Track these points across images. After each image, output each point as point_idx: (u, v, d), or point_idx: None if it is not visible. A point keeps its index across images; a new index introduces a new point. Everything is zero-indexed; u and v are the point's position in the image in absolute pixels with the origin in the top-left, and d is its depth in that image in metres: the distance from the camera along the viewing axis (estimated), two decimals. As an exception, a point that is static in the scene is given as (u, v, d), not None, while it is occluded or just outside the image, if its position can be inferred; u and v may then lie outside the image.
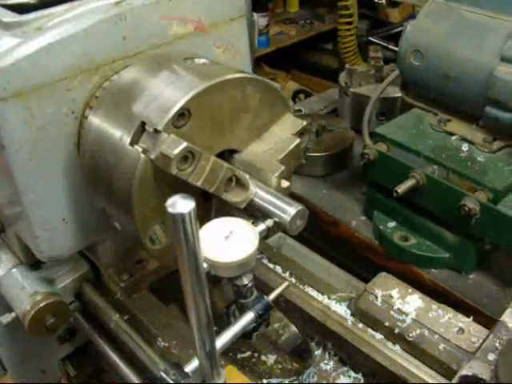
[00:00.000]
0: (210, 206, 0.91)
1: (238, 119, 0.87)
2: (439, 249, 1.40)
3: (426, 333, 0.97)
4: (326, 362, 1.08)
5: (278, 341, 1.16)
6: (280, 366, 1.11)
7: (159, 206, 0.84)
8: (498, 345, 0.73)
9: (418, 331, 0.98)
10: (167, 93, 0.82)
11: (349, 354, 1.05)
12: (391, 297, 1.04)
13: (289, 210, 0.80)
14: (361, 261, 1.53)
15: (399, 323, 1.00)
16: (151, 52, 0.98)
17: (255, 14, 3.15)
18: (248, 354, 1.12)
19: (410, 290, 1.04)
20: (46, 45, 0.87)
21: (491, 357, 0.71)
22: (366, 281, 1.21)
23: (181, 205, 0.53)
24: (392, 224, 1.48)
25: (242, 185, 0.83)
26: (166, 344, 1.07)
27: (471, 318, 1.00)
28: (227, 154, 0.91)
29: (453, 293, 1.34)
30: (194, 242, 0.56)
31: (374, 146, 1.42)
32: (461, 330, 0.97)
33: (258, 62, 3.41)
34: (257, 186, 0.84)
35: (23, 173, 0.91)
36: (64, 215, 0.98)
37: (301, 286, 1.14)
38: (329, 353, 1.09)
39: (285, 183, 0.87)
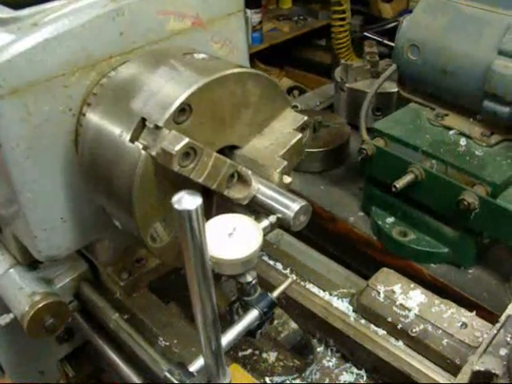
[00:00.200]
0: (211, 203, 0.90)
1: (239, 114, 0.86)
2: (438, 244, 1.40)
3: (430, 328, 0.97)
4: (328, 358, 1.08)
5: (278, 338, 1.15)
6: (281, 364, 1.11)
7: (160, 203, 0.83)
8: (509, 339, 0.73)
9: (422, 326, 0.98)
10: (167, 88, 0.80)
11: (351, 351, 1.04)
12: (393, 292, 1.03)
13: (292, 206, 0.79)
14: (359, 257, 1.53)
15: (402, 319, 1.00)
16: (149, 48, 0.96)
17: (248, 11, 3.13)
18: (249, 351, 1.12)
19: (412, 286, 1.04)
20: (43, 41, 0.85)
21: (503, 352, 0.70)
22: (365, 277, 1.21)
23: (187, 201, 0.52)
24: (390, 219, 1.47)
25: (244, 181, 0.82)
26: (167, 343, 1.06)
27: (474, 312, 0.99)
28: (228, 150, 0.90)
29: (452, 287, 1.34)
30: (200, 239, 0.55)
31: (372, 141, 1.41)
32: (464, 325, 0.96)
33: (252, 59, 3.39)
34: (259, 182, 0.83)
35: (20, 171, 0.90)
36: (62, 214, 0.97)
37: (302, 283, 1.13)
38: (331, 349, 1.09)
39: (287, 179, 0.86)
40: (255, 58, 3.42)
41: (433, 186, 1.31)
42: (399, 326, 1.00)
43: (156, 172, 0.79)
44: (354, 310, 1.07)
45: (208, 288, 0.60)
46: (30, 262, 1.13)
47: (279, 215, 0.80)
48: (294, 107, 1.90)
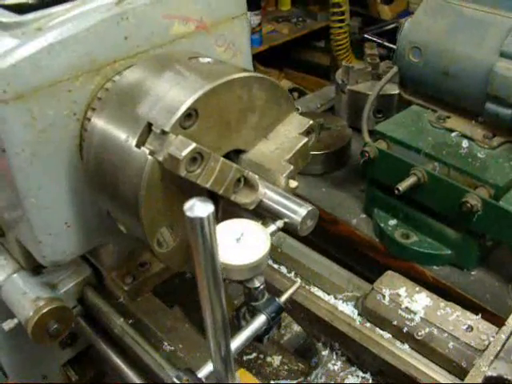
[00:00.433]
0: (217, 208, 0.90)
1: (245, 119, 0.86)
2: (441, 246, 1.40)
3: (435, 331, 0.97)
4: (333, 362, 1.07)
5: (281, 341, 1.15)
6: (286, 367, 1.11)
7: (167, 208, 0.83)
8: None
9: (427, 330, 0.97)
10: (173, 93, 0.80)
11: (357, 354, 1.04)
12: (399, 295, 1.03)
13: (299, 211, 0.79)
14: (362, 259, 1.53)
15: (408, 322, 1.00)
16: (153, 52, 0.96)
17: (248, 13, 3.13)
18: (254, 355, 1.12)
19: (417, 289, 1.04)
20: (47, 45, 0.85)
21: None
22: (368, 279, 1.21)
23: (199, 208, 0.52)
24: (393, 222, 1.47)
25: (250, 186, 0.82)
26: (172, 348, 1.06)
27: (479, 315, 0.99)
28: (233, 155, 0.90)
29: (455, 290, 1.34)
30: (212, 246, 0.54)
31: (374, 143, 1.41)
32: (469, 328, 0.96)
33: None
34: (266, 186, 0.83)
35: (24, 176, 0.89)
36: (67, 219, 0.97)
37: (307, 287, 1.13)
38: (336, 353, 1.09)
39: (293, 183, 0.86)
40: (254, 59, 3.42)
41: (435, 188, 1.31)
42: (405, 330, 1.00)
43: (162, 177, 0.79)
44: (359, 314, 1.07)
45: (219, 294, 0.59)
46: (33, 267, 1.12)
47: (286, 220, 0.80)
48: (296, 110, 1.90)
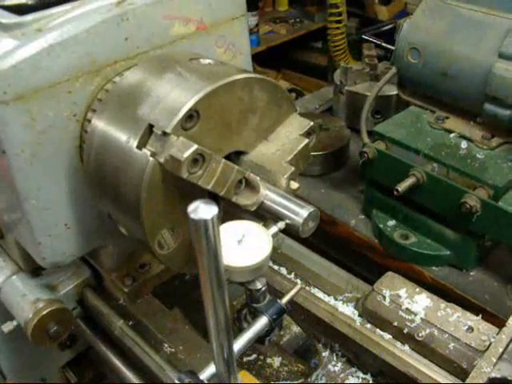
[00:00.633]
0: (218, 210, 0.90)
1: (246, 120, 0.86)
2: (440, 246, 1.40)
3: (436, 332, 0.97)
4: (333, 363, 1.07)
5: (281, 342, 1.15)
6: (286, 368, 1.10)
7: (168, 210, 0.82)
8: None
9: (428, 330, 0.98)
10: (174, 94, 0.80)
11: (357, 355, 1.04)
12: (399, 296, 1.03)
13: (301, 213, 0.79)
14: (360, 260, 1.53)
15: (408, 323, 1.00)
16: (153, 52, 0.96)
17: (245, 13, 3.13)
18: (253, 356, 1.11)
19: (417, 290, 1.04)
20: (47, 46, 0.85)
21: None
22: (367, 280, 1.21)
23: (203, 210, 0.52)
24: (392, 222, 1.47)
25: (252, 187, 0.82)
26: (173, 349, 1.05)
27: (480, 316, 1.00)
28: (234, 156, 0.89)
29: (454, 290, 1.35)
30: (216, 248, 0.54)
31: (373, 144, 1.41)
32: (470, 329, 0.96)
33: (248, 62, 3.39)
34: (267, 188, 0.82)
35: (24, 178, 0.89)
36: (67, 220, 0.96)
37: (307, 288, 1.13)
38: (336, 354, 1.09)
39: (294, 185, 0.86)
40: (252, 60, 3.42)
41: (434, 189, 1.31)
42: (405, 331, 1.00)
43: (164, 179, 0.79)
44: (359, 315, 1.07)
45: (222, 296, 0.59)
46: (32, 269, 1.12)
47: (288, 221, 0.80)
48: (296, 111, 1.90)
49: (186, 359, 1.03)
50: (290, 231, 0.81)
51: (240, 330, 0.81)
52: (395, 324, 1.01)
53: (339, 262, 1.38)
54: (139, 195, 0.78)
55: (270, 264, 1.20)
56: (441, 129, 1.40)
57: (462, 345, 0.95)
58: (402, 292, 1.04)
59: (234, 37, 1.07)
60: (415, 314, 1.00)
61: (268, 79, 0.88)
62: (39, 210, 0.92)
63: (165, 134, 0.76)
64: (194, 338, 1.07)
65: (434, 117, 1.43)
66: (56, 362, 1.28)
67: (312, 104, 2.03)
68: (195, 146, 0.74)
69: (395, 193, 1.30)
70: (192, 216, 0.51)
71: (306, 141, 0.89)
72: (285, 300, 0.84)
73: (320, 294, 1.12)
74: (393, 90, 1.63)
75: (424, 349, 0.98)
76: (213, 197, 0.83)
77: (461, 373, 0.94)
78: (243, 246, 0.75)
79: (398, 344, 1.01)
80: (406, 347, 1.00)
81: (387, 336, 1.02)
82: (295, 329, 1.16)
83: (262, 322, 0.79)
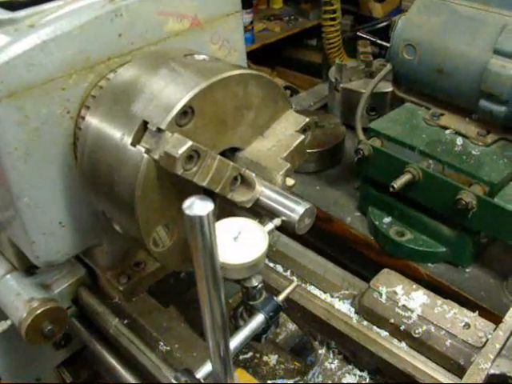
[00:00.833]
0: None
1: (241, 116, 0.85)
2: (436, 243, 1.40)
3: (433, 329, 0.97)
4: (330, 361, 1.07)
5: (277, 340, 1.14)
6: (283, 366, 1.10)
7: (163, 207, 0.82)
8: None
9: (424, 327, 0.97)
10: (169, 91, 0.79)
11: (354, 353, 1.04)
12: (395, 293, 1.03)
13: (297, 209, 0.79)
14: (356, 257, 1.53)
15: (405, 320, 0.99)
16: (147, 49, 0.95)
17: (239, 11, 3.13)
18: (250, 354, 1.11)
19: (414, 286, 1.04)
20: (40, 42, 0.84)
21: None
22: (362, 277, 1.21)
23: (198, 207, 0.51)
24: (387, 219, 1.47)
25: (247, 184, 0.81)
26: (168, 348, 1.05)
27: (477, 312, 0.99)
28: (229, 153, 0.89)
29: (450, 287, 1.35)
30: (211, 245, 0.54)
31: (368, 141, 1.41)
32: (467, 325, 0.96)
33: (243, 59, 3.38)
34: (263, 184, 0.82)
35: (18, 176, 0.88)
36: (61, 218, 0.96)
37: (303, 285, 1.13)
38: (333, 352, 1.08)
39: (290, 181, 0.85)
40: (246, 58, 3.42)
41: (430, 185, 1.31)
42: (402, 328, 0.99)
43: (158, 176, 0.78)
44: (355, 312, 1.06)
45: (218, 293, 0.59)
46: (26, 268, 1.11)
47: (284, 218, 0.79)
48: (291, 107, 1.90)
49: (182, 358, 1.03)
50: (286, 228, 0.81)
51: (236, 328, 0.81)
52: (392, 321, 1.00)
53: (335, 259, 1.38)
54: (133, 192, 0.77)
55: (266, 261, 1.19)
56: (436, 125, 1.40)
57: (458, 341, 0.95)
58: (399, 289, 1.03)
59: (229, 33, 1.06)
60: (412, 311, 1.00)
61: (263, 75, 0.87)
62: (33, 209, 0.92)
63: (159, 130, 0.76)
64: (190, 336, 1.07)
65: (430, 113, 1.42)
66: (51, 362, 1.27)
67: (307, 101, 2.03)
68: (190, 143, 0.73)
69: (391, 189, 1.30)
70: (187, 212, 0.51)
71: (302, 137, 0.88)
72: (281, 297, 0.83)
73: (316, 292, 1.12)
74: (388, 87, 1.62)
75: (421, 346, 0.98)
76: (208, 194, 0.82)
77: (458, 369, 0.93)
78: (239, 243, 0.74)
79: (395, 341, 1.00)
80: (403, 344, 1.00)
81: (384, 333, 1.02)
82: (291, 326, 1.15)
83: (259, 319, 0.79)
